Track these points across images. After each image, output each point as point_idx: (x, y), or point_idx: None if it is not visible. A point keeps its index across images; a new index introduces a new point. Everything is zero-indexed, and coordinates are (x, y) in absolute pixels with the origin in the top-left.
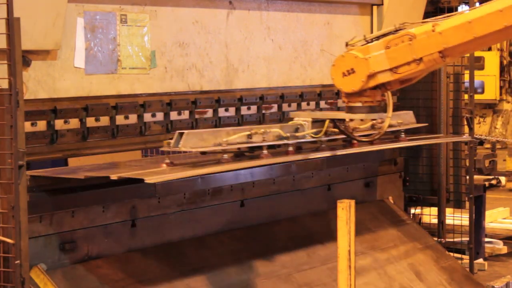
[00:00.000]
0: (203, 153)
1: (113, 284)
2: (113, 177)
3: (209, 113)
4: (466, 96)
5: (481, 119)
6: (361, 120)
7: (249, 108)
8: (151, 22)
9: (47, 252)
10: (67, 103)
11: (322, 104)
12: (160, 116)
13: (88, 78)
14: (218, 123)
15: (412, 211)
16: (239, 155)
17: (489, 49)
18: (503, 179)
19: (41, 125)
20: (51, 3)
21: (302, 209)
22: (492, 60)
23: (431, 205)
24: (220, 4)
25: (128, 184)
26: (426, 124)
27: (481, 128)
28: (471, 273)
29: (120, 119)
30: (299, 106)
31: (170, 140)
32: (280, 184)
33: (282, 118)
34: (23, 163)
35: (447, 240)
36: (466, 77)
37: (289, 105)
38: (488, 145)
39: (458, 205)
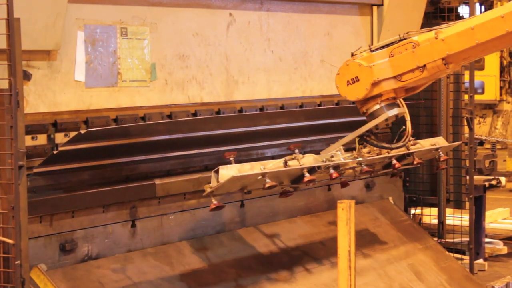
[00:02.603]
0: (244, 190)
1: (113, 284)
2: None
3: None
4: (466, 97)
5: (481, 120)
6: (387, 125)
7: None
8: (151, 35)
9: (47, 252)
10: (68, 117)
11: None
12: None
13: (88, 91)
14: None
15: (412, 211)
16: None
17: None
18: (503, 179)
19: (42, 138)
20: (51, 3)
21: (302, 210)
22: (492, 60)
23: (431, 205)
24: (220, 16)
25: (128, 185)
26: (461, 143)
27: (481, 128)
28: (471, 273)
29: None
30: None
31: (209, 184)
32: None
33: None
34: (23, 163)
35: (447, 240)
36: (466, 78)
37: None
38: (488, 146)
39: (458, 205)
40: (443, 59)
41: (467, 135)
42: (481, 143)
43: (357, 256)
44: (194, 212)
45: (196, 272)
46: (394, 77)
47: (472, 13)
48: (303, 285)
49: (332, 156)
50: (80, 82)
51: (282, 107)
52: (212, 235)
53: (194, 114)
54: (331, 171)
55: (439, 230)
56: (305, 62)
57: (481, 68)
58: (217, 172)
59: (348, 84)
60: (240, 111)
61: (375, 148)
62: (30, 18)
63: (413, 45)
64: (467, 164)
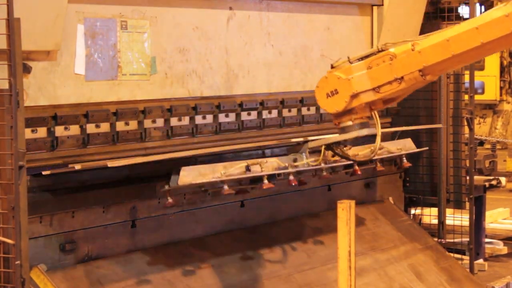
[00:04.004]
0: (201, 187)
1: (113, 284)
2: (110, 164)
3: (209, 118)
4: (466, 97)
5: (481, 120)
6: (355, 137)
7: (249, 114)
8: (151, 28)
9: (47, 252)
10: (68, 110)
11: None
12: (160, 122)
13: (88, 84)
14: (218, 129)
15: (412, 211)
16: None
17: None
18: (503, 179)
19: (42, 131)
20: (51, 3)
21: (302, 210)
22: (492, 60)
23: (431, 205)
24: (220, 10)
25: (128, 184)
26: (427, 148)
27: (481, 128)
28: (471, 273)
29: (120, 126)
30: (299, 111)
31: (168, 184)
32: (280, 185)
33: (283, 124)
34: (23, 163)
35: (447, 240)
36: (466, 78)
37: (290, 111)
38: (488, 146)
39: (458, 205)
40: (420, 70)
41: (467, 135)
42: (481, 143)
43: (357, 256)
44: (194, 212)
45: (196, 272)
46: (373, 89)
47: (472, 13)
48: (303, 285)
49: (295, 160)
50: (80, 75)
51: (282, 102)
52: (212, 235)
53: (194, 108)
54: (291, 177)
55: (439, 230)
56: (305, 57)
57: (481, 68)
58: (178, 172)
59: (327, 97)
60: (240, 105)
61: None
62: (30, 18)
63: (390, 57)
64: (467, 164)
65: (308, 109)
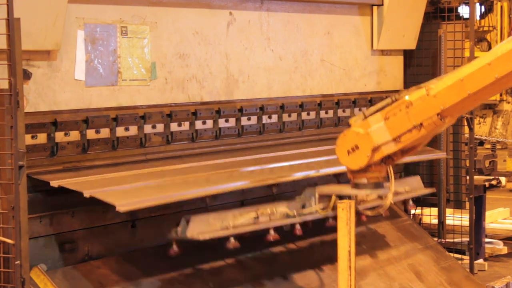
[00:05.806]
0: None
1: (113, 284)
2: (86, 194)
3: (209, 123)
4: None
5: (481, 120)
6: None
7: (249, 119)
8: (151, 34)
9: (47, 252)
10: (68, 116)
11: (322, 114)
12: (160, 127)
13: (88, 90)
14: (218, 134)
15: (412, 211)
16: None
17: (489, 49)
18: (503, 179)
19: (42, 137)
20: (51, 3)
21: None
22: None
23: (431, 205)
24: (220, 15)
25: None
26: (434, 190)
27: (481, 128)
28: (471, 273)
29: (120, 131)
30: (299, 116)
31: (178, 228)
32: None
33: (283, 128)
34: (23, 163)
35: (447, 240)
36: None
37: (290, 115)
38: (488, 146)
39: (458, 205)
40: (438, 114)
41: (467, 135)
42: (481, 143)
43: (357, 256)
44: (193, 211)
45: (196, 272)
46: (393, 140)
47: (472, 13)
48: (303, 285)
49: (303, 206)
50: (80, 81)
51: (282, 106)
52: None
53: (194, 113)
54: (297, 226)
55: (439, 230)
56: (305, 61)
57: None
58: (188, 221)
59: (348, 154)
60: (240, 110)
61: None
62: (30, 18)
63: (406, 105)
64: (467, 164)
65: (308, 114)
